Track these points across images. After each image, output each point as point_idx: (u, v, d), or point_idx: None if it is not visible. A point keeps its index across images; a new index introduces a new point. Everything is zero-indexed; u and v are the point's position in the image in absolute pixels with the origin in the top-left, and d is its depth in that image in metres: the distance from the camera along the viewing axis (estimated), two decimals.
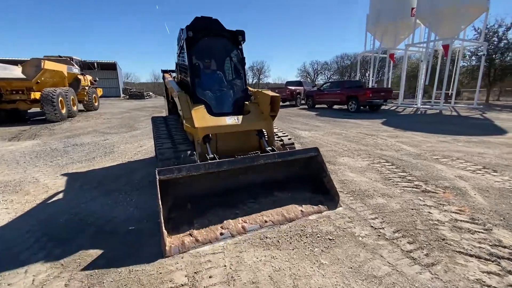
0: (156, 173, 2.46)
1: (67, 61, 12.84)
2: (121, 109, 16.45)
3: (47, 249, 2.29)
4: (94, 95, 15.31)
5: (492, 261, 2.07)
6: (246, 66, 4.12)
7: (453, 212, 2.86)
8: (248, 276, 1.93)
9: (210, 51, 3.93)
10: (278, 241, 2.36)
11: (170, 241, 2.36)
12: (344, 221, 2.71)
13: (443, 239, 2.38)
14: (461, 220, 2.69)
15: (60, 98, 10.35)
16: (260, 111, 3.61)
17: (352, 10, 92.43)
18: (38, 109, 10.55)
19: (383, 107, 15.57)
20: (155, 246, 2.31)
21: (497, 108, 15.78)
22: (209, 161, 2.70)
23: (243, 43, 3.96)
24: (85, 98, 14.30)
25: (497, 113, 13.07)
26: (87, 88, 14.49)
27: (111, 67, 35.10)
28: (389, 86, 19.95)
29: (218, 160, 2.73)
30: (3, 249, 2.30)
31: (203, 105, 3.41)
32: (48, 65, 10.27)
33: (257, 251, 2.23)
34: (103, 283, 1.88)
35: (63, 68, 11.67)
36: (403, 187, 3.56)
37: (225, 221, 2.67)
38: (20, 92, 9.92)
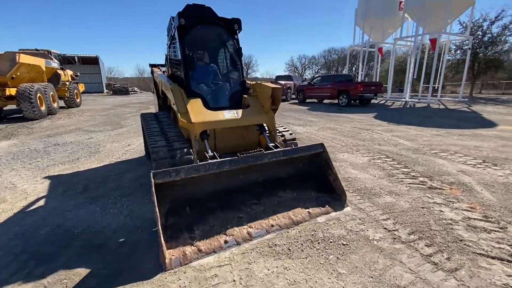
0: (152, 176, 2.20)
1: (45, 54, 12.04)
2: (105, 106, 15.74)
3: (28, 268, 2.00)
4: (75, 91, 14.53)
5: None
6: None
7: (464, 210, 2.76)
8: None
9: (204, 41, 3.64)
10: (289, 249, 2.17)
11: (170, 252, 2.12)
12: (356, 223, 2.55)
13: (461, 240, 2.26)
14: (474, 219, 2.60)
15: (38, 95, 9.68)
16: (260, 105, 3.39)
17: (340, 4, 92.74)
18: (15, 106, 9.84)
19: (372, 101, 15.66)
20: (153, 259, 2.07)
21: (482, 101, 16.23)
22: (210, 161, 2.46)
23: (239, 32, 3.70)
24: (66, 94, 13.53)
25: (482, 106, 13.40)
26: (67, 83, 13.71)
27: (93, 61, 33.62)
28: (377, 80, 20.12)
29: (219, 160, 2.50)
30: None
31: (199, 99, 3.15)
32: (24, 59, 9.56)
33: (268, 261, 2.04)
34: None
35: (40, 62, 10.93)
36: (409, 184, 3.45)
37: (228, 226, 2.46)
38: None
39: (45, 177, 3.93)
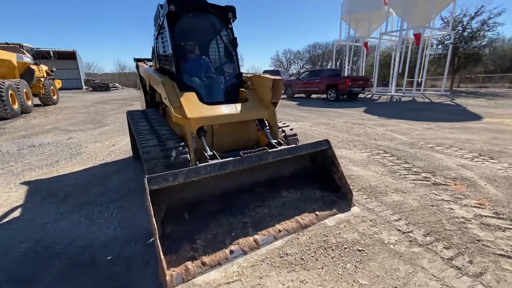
0: (146, 182, 1.93)
1: (16, 48, 11.16)
2: (84, 103, 14.91)
3: None
4: (51, 88, 13.62)
5: None
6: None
7: (473, 207, 2.69)
8: None
9: (195, 30, 3.36)
10: (302, 258, 1.98)
11: (170, 268, 1.88)
12: (367, 225, 2.41)
13: (478, 240, 2.17)
14: (485, 216, 2.52)
15: (10, 92, 8.93)
16: (259, 99, 3.17)
17: None
18: None
19: (360, 95, 15.79)
20: (152, 277, 1.82)
21: (463, 94, 16.78)
22: (211, 163, 2.22)
23: (233, 21, 3.44)
24: (41, 91, 12.64)
25: (464, 99, 13.82)
26: (42, 79, 12.80)
27: (70, 56, 31.88)
28: (363, 74, 20.34)
29: (221, 161, 2.26)
30: None
31: (193, 92, 2.89)
32: None
33: (281, 274, 1.84)
34: None
35: (11, 56, 10.09)
36: (413, 180, 3.36)
37: (233, 234, 2.25)
38: None
39: (20, 184, 3.52)
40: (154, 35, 3.89)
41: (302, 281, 1.77)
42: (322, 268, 1.89)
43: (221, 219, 2.39)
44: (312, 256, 2.01)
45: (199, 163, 2.38)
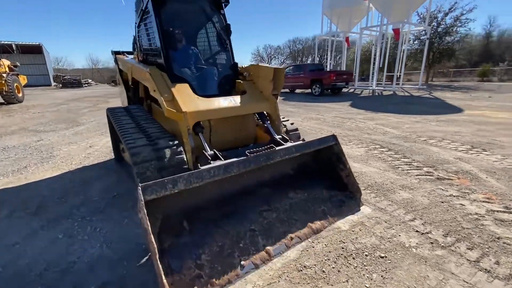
0: (140, 191, 1.62)
1: None
2: (55, 100, 13.78)
3: None
4: (16, 84, 12.41)
5: None
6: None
7: (483, 202, 2.62)
8: None
9: (184, 16, 3.04)
10: (323, 271, 1.77)
11: None
12: (383, 227, 2.25)
13: (498, 238, 2.08)
14: (497, 211, 2.46)
15: None
16: (259, 90, 2.91)
17: None
18: None
19: (343, 89, 15.93)
20: None
21: (438, 88, 17.48)
22: (214, 165, 1.95)
23: (226, 5, 3.14)
24: (4, 88, 11.46)
25: (441, 92, 14.37)
26: (5, 75, 11.61)
27: (36, 50, 29.47)
28: (344, 69, 20.60)
29: (226, 163, 1.99)
30: None
31: (186, 84, 2.58)
32: None
33: None
34: None
35: None
36: (417, 175, 3.28)
37: (241, 244, 2.00)
38: None
39: None
40: (135, 23, 3.49)
41: None
42: (347, 281, 1.69)
43: (226, 227, 2.12)
44: (333, 268, 1.80)
45: (198, 164, 2.09)
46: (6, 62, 12.50)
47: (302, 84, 14.55)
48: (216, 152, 2.22)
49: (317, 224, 2.31)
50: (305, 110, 8.97)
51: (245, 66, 3.15)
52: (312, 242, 2.08)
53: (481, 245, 2.01)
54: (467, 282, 1.67)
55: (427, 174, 3.31)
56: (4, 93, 11.61)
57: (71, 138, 5.70)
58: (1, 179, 3.47)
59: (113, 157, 4.15)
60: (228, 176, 1.99)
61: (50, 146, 5.01)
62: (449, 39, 20.52)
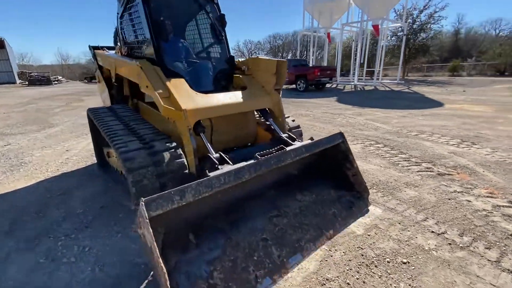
0: (143, 207, 1.38)
1: None
2: (21, 99, 12.66)
3: None
4: None
5: None
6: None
7: (487, 197, 2.63)
8: None
9: (175, 6, 2.77)
10: (348, 283, 1.64)
11: None
12: (398, 229, 2.16)
13: (511, 235, 2.06)
14: (502, 206, 2.46)
15: None
16: (260, 85, 2.72)
17: None
18: None
19: (327, 85, 16.07)
20: None
21: (415, 83, 18.16)
22: (224, 171, 1.74)
23: None
24: None
25: (419, 87, 14.92)
26: None
27: None
28: (326, 65, 20.81)
29: (235, 167, 1.79)
30: None
31: (182, 79, 2.34)
32: None
33: None
34: None
35: None
36: (418, 172, 3.25)
37: (255, 257, 1.82)
38: None
39: None
40: (117, 14, 3.13)
41: None
42: None
43: (236, 238, 1.93)
44: (357, 279, 1.67)
45: (206, 170, 1.87)
46: None
47: (286, 79, 14.46)
48: (223, 154, 2.00)
49: (330, 230, 2.18)
50: (293, 107, 8.88)
51: (242, 59, 2.94)
52: (329, 250, 1.94)
53: (497, 243, 1.97)
54: (494, 285, 1.60)
55: (427, 170, 3.30)
56: None
57: (44, 141, 5.18)
58: None
59: (95, 162, 3.78)
60: (239, 182, 1.79)
61: (20, 151, 4.49)
62: (423, 36, 21.37)
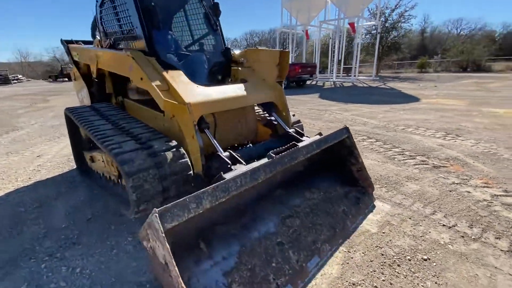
0: (157, 219, 1.19)
1: None
2: None
3: None
4: None
5: None
6: None
7: (484, 187, 2.71)
8: None
9: None
10: (376, 286, 1.56)
11: None
12: (410, 224, 2.14)
13: None
14: (500, 195, 2.54)
15: None
16: (261, 78, 2.57)
17: None
18: None
19: (307, 82, 16.24)
20: None
21: (389, 79, 18.93)
22: (240, 172, 1.58)
23: None
24: None
25: (394, 83, 15.56)
26: None
27: None
28: (304, 62, 21.04)
29: (250, 168, 1.63)
30: None
31: (179, 70, 2.14)
32: None
33: None
34: None
35: None
36: (414, 165, 3.30)
37: (273, 263, 1.69)
38: None
39: None
40: (96, 1, 2.81)
41: None
42: None
43: (251, 243, 1.79)
44: (383, 281, 1.60)
45: (221, 173, 1.69)
46: None
47: None
48: (233, 153, 1.84)
49: (343, 229, 2.11)
50: None
51: (242, 51, 2.78)
52: (348, 251, 1.86)
53: (505, 232, 2.01)
54: None
55: (422, 163, 3.36)
56: None
57: (9, 146, 4.62)
58: None
59: (74, 167, 3.41)
60: (255, 184, 1.64)
61: None
62: (395, 34, 22.37)
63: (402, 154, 3.67)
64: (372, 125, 5.43)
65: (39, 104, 10.04)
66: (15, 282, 1.64)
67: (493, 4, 69.60)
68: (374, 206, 2.46)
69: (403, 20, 21.71)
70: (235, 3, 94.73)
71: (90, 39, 3.67)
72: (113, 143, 1.83)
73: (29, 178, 3.26)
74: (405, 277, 1.62)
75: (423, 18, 37.71)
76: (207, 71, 2.64)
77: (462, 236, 1.98)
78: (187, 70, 2.47)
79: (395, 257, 1.79)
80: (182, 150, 1.88)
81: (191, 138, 1.85)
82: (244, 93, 2.25)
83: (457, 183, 2.80)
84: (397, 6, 21.26)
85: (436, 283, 1.58)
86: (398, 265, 1.71)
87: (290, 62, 16.21)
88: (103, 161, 2.44)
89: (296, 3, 18.60)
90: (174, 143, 1.91)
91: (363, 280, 1.61)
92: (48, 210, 2.49)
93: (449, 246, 1.89)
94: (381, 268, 1.69)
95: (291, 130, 2.36)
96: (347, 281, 1.60)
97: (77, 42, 3.58)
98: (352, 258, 1.79)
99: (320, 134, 2.30)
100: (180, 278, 1.16)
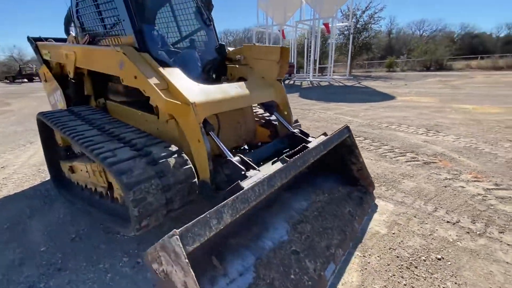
0: (177, 242, 1.02)
1: None
2: None
3: None
4: None
5: None
6: None
7: (475, 181, 2.82)
8: None
9: None
10: None
11: None
12: (416, 223, 2.15)
13: None
14: (492, 189, 2.66)
15: None
16: (259, 76, 2.45)
17: None
18: None
19: (285, 81, 16.36)
20: None
21: (362, 78, 19.69)
22: (257, 180, 1.45)
23: None
24: None
25: (367, 82, 16.18)
26: None
27: None
28: None
29: (267, 175, 1.50)
30: None
31: (177, 68, 1.96)
32: None
33: None
34: None
35: None
36: (406, 162, 3.37)
37: (292, 275, 1.58)
38: None
39: None
40: None
41: None
42: None
43: (266, 255, 1.66)
44: (405, 285, 1.55)
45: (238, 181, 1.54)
46: None
47: None
48: (245, 158, 1.70)
49: (352, 231, 2.06)
50: None
51: (232, 49, 2.63)
52: (363, 256, 1.80)
53: (507, 226, 2.08)
54: None
55: (413, 159, 3.44)
56: None
57: None
58: None
59: (47, 179, 3.05)
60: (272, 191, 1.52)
61: None
62: (366, 34, 23.33)
63: (393, 152, 3.74)
64: (356, 123, 5.53)
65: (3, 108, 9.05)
66: None
67: (452, 5, 75.72)
68: (376, 205, 2.46)
69: (373, 22, 22.72)
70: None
71: (58, 36, 3.31)
72: (105, 150, 1.60)
73: None
74: (424, 279, 1.59)
75: (389, 20, 39.82)
76: (200, 69, 2.46)
77: (468, 232, 2.02)
78: (179, 67, 2.29)
79: (410, 258, 1.76)
80: (185, 156, 1.70)
81: (197, 142, 1.67)
82: (247, 92, 2.11)
83: (449, 179, 2.89)
84: (367, 8, 22.21)
85: (456, 283, 1.56)
86: (415, 267, 1.69)
87: None
88: (86, 171, 2.17)
89: (271, 3, 18.67)
90: (174, 148, 1.72)
91: (385, 286, 1.55)
92: (22, 230, 2.17)
93: (458, 243, 1.90)
94: (400, 272, 1.65)
95: (295, 130, 2.26)
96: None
97: (46, 39, 3.19)
98: (369, 263, 1.74)
99: (325, 134, 2.24)
100: None
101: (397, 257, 1.78)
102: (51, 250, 1.92)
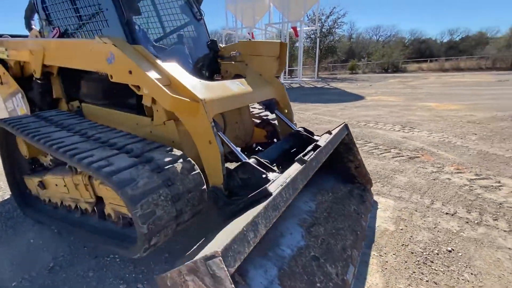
0: (217, 263, 0.86)
1: None
2: None
3: None
4: None
5: None
6: None
7: (457, 173, 2.99)
8: None
9: None
10: None
11: None
12: (419, 217, 2.19)
13: (500, 204, 2.35)
14: (474, 179, 2.83)
15: None
16: (257, 73, 2.34)
17: None
18: None
19: None
20: None
21: (329, 80, 20.54)
22: (283, 184, 1.33)
23: None
24: None
25: (335, 83, 16.90)
26: None
27: None
28: None
29: (291, 178, 1.39)
30: None
31: (174, 62, 1.77)
32: None
33: None
34: None
35: None
36: (393, 158, 3.49)
37: (319, 284, 1.50)
38: None
39: None
40: None
41: None
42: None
43: (288, 264, 1.54)
44: (427, 281, 1.54)
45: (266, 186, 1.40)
46: None
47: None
48: (261, 159, 1.56)
49: (361, 230, 2.03)
50: None
51: (232, 44, 2.49)
52: (379, 255, 1.77)
53: (497, 213, 2.21)
54: None
55: (398, 155, 3.57)
56: None
57: None
58: None
59: (7, 198, 2.59)
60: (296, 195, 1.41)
61: None
62: (331, 38, 24.45)
63: (378, 149, 3.86)
64: (337, 122, 5.66)
65: None
66: None
67: (404, 13, 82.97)
68: (376, 202, 2.47)
69: (336, 26, 23.92)
70: None
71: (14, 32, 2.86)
72: (98, 159, 1.36)
73: None
74: (443, 274, 1.60)
75: (350, 25, 42.19)
76: (191, 66, 2.28)
77: (467, 222, 2.10)
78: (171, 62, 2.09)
79: (424, 253, 1.77)
80: (192, 161, 1.52)
81: (207, 143, 1.50)
82: (250, 89, 1.98)
83: (435, 172, 3.03)
84: (331, 13, 23.31)
85: (472, 274, 1.59)
86: (431, 262, 1.69)
87: None
88: (64, 186, 1.85)
89: (240, 6, 18.66)
90: (178, 152, 1.53)
91: (409, 285, 1.52)
92: None
93: (462, 233, 1.97)
94: (418, 268, 1.64)
95: (299, 129, 2.18)
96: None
97: (1, 36, 2.73)
98: (387, 262, 1.71)
99: (329, 132, 2.19)
100: None
101: (412, 253, 1.77)
102: (25, 283, 1.58)
